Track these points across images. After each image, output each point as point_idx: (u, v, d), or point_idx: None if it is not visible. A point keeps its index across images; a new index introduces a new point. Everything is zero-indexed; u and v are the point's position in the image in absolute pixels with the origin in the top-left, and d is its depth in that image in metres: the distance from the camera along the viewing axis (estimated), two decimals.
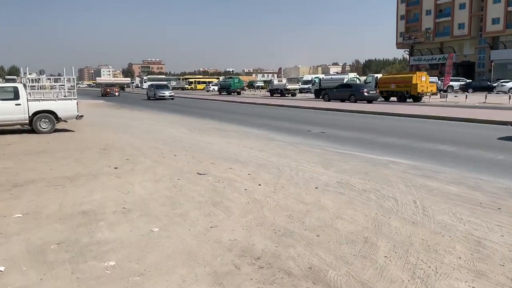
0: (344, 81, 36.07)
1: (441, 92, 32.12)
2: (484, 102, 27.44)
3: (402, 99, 30.70)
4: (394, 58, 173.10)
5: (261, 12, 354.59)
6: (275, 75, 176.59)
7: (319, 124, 16.08)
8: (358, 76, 38.60)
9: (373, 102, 29.33)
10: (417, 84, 29.54)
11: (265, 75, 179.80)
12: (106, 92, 52.02)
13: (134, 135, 12.82)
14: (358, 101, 29.01)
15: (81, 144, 11.02)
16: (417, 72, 30.71)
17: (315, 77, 43.97)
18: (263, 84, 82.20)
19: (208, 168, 7.77)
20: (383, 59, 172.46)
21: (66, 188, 6.35)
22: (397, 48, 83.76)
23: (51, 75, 58.67)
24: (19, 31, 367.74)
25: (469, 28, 67.34)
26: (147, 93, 43.64)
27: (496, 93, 42.27)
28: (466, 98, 30.37)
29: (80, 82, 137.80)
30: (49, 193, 6.09)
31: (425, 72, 30.93)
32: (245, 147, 10.23)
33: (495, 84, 45.23)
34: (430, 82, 30.98)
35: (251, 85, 78.20)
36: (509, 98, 26.94)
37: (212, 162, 8.34)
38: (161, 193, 6.03)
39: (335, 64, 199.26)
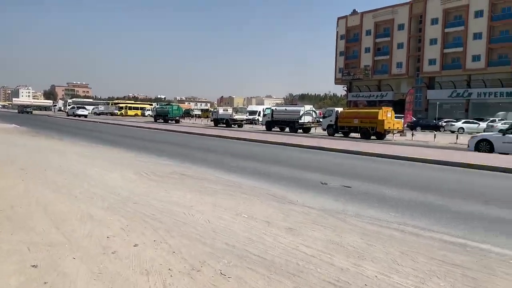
0: (301, 113, 33.01)
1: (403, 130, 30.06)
2: (455, 143, 25.51)
3: (366, 135, 28.12)
4: (325, 94, 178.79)
5: (195, 40, 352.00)
6: (210, 104, 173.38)
7: (324, 170, 12.09)
8: (314, 109, 35.86)
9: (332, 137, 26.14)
10: (383, 120, 27.17)
11: (198, 103, 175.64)
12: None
13: (53, 186, 7.90)
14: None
15: None
16: (382, 108, 28.43)
17: (267, 108, 40.80)
18: (200, 113, 78.58)
19: None
20: (315, 94, 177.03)
21: None
22: (336, 83, 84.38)
23: None
24: None
25: (407, 68, 69.01)
26: (67, 111, 55.97)
27: (444, 132, 42.01)
28: (434, 137, 28.49)
29: None
30: None
31: (390, 108, 28.72)
32: (257, 222, 5.88)
33: (444, 124, 45.19)
34: (395, 118, 28.86)
35: (187, 113, 74.41)
36: (457, 138, 27.49)
37: (222, 272, 3.95)
38: None
39: (269, 96, 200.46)
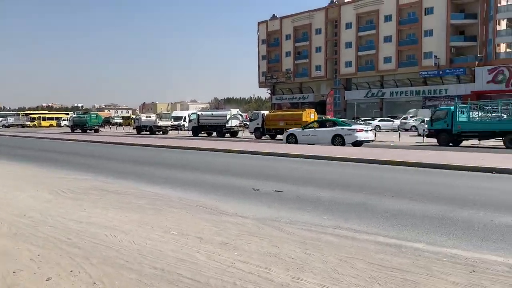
0: (227, 117, 32.81)
1: None
2: (391, 142, 26.78)
3: None
4: (250, 97, 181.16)
5: (112, 44, 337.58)
6: (132, 111, 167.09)
7: (253, 175, 11.87)
8: (240, 112, 35.86)
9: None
10: (307, 121, 27.82)
11: (119, 111, 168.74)
12: None
13: None
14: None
15: None
16: (306, 109, 29.17)
17: (192, 113, 40.03)
18: (121, 121, 75.42)
19: None
20: (240, 97, 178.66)
21: None
22: (260, 87, 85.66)
23: None
24: None
25: (326, 70, 71.91)
26: None
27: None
28: None
29: None
30: None
31: (313, 109, 29.56)
32: (188, 239, 5.46)
33: (362, 122, 47.46)
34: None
35: (107, 121, 70.95)
36: (375, 135, 27.75)
37: None
38: None
39: (194, 101, 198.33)
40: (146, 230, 5.88)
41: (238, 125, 34.29)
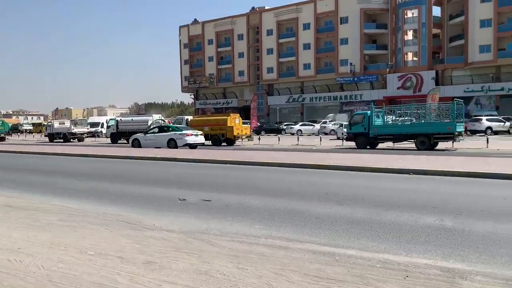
0: (149, 123, 31.61)
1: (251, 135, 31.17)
2: (297, 144, 27.41)
3: (217, 142, 28.36)
4: (172, 102, 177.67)
5: (18, 46, 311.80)
6: (43, 117, 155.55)
7: (180, 183, 11.31)
8: (163, 118, 34.71)
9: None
10: (232, 126, 27.79)
11: (29, 117, 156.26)
12: None
13: None
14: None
15: None
16: (230, 114, 29.07)
17: (111, 119, 37.94)
18: (32, 128, 70.02)
19: None
20: (162, 102, 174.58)
21: None
22: (183, 92, 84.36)
23: None
24: None
25: (248, 76, 72.72)
26: None
27: (285, 134, 45.24)
28: (279, 140, 30.23)
29: None
30: None
31: (238, 114, 29.54)
32: (108, 259, 4.88)
33: (285, 127, 48.65)
34: (243, 124, 29.79)
35: (15, 128, 65.48)
36: (298, 140, 29.91)
37: None
38: None
39: (112, 106, 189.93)
40: (58, 251, 5.19)
41: None
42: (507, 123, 36.89)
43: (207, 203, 8.31)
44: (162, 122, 33.36)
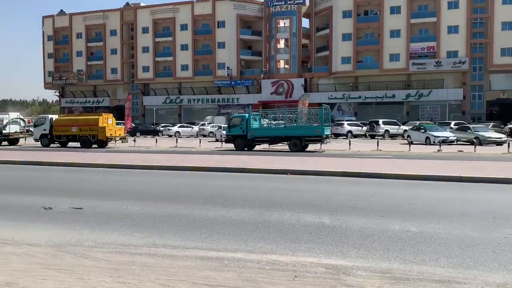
0: (5, 123, 27.84)
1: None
2: (175, 146, 26.86)
3: (87, 144, 26.25)
4: (33, 99, 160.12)
5: None
6: None
7: (43, 190, 9.98)
8: (22, 116, 30.75)
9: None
10: (105, 127, 25.99)
11: None
12: None
13: None
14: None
15: None
16: (103, 114, 27.14)
17: None
18: None
19: None
20: (21, 100, 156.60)
21: None
22: (46, 88, 76.53)
23: None
24: None
25: (122, 74, 69.15)
26: None
27: (162, 136, 44.08)
28: (156, 142, 29.20)
29: None
30: None
31: (111, 114, 27.76)
32: None
33: (162, 128, 47.32)
34: (116, 125, 28.09)
35: None
36: (176, 141, 28.23)
37: None
38: None
39: None
40: None
41: (19, 131, 29.47)
42: (364, 128, 41.29)
43: (79, 211, 7.48)
44: (21, 121, 29.71)
